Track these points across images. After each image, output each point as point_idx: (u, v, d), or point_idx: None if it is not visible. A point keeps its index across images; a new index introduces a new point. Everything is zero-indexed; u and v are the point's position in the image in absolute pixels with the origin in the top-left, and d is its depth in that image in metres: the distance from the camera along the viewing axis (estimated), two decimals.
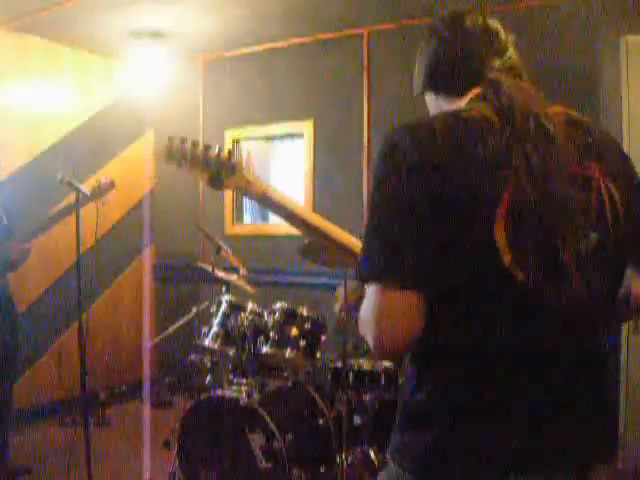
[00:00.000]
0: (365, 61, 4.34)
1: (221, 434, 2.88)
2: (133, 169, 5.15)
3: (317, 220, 1.48)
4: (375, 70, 4.33)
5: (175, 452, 3.01)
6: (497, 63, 1.12)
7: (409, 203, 0.96)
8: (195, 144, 1.37)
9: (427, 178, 0.96)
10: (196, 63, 5.11)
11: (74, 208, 2.94)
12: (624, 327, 3.31)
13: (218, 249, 3.55)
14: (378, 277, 0.98)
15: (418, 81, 1.23)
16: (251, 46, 4.75)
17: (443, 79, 1.18)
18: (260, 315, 3.17)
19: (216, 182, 1.40)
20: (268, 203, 1.47)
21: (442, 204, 0.95)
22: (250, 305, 3.22)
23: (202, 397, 3.00)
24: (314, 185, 4.59)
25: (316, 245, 1.69)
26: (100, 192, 3.02)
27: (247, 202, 5.04)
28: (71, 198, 2.94)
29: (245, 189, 1.43)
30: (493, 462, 0.98)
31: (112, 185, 3.08)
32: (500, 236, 0.95)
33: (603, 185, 1.04)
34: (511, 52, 1.15)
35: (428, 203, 0.95)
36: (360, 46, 4.36)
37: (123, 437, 4.06)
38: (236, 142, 4.99)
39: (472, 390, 1.00)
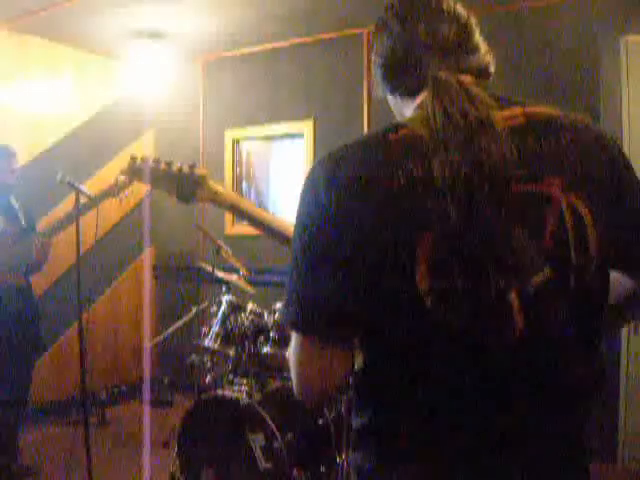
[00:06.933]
0: (365, 61, 4.34)
1: (221, 434, 2.88)
2: None
3: (286, 228, 1.50)
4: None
5: (175, 452, 3.01)
6: (454, 64, 0.95)
7: (327, 250, 0.89)
8: (157, 161, 1.45)
9: (343, 224, 0.87)
10: (196, 63, 5.11)
11: (94, 204, 3.02)
12: (624, 328, 3.31)
13: (218, 249, 3.55)
14: (298, 326, 0.94)
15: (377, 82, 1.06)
16: (251, 46, 4.75)
17: (395, 76, 1.01)
18: (260, 315, 3.17)
19: (185, 196, 1.49)
20: (238, 211, 1.55)
21: (359, 250, 0.87)
22: (250, 305, 3.22)
23: (202, 397, 3.00)
24: None
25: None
26: (119, 189, 3.09)
27: None
28: (80, 197, 2.99)
29: (214, 200, 1.52)
30: None
31: (131, 182, 3.15)
32: (422, 281, 0.85)
33: (565, 204, 0.87)
34: (483, 51, 0.99)
35: (346, 250, 0.87)
36: (360, 46, 4.36)
37: (123, 437, 4.06)
38: (236, 142, 4.99)
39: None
